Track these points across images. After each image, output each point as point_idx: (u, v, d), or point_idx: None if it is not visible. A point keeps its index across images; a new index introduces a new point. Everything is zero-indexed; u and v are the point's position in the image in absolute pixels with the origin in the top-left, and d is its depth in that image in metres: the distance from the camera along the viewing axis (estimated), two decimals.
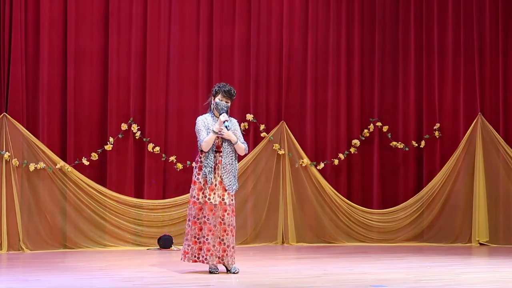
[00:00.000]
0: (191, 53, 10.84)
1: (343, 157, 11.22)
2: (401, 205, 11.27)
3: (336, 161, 11.20)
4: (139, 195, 10.59)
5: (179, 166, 10.68)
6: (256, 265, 8.61)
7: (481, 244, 11.00)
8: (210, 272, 7.79)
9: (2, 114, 10.01)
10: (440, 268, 8.61)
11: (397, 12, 11.43)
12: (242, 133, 8.15)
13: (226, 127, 7.73)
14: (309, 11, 11.20)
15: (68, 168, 10.20)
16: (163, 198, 10.66)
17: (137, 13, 10.62)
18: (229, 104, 7.86)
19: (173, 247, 10.31)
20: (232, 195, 7.82)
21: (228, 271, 7.85)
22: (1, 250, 9.87)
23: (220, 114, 7.78)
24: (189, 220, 7.80)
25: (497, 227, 11.09)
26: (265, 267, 8.63)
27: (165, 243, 10.32)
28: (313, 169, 11.08)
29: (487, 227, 11.06)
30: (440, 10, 11.40)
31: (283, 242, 10.94)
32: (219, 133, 7.73)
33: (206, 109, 8.02)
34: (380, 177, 11.33)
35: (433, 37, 11.38)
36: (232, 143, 7.83)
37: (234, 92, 7.90)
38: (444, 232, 11.18)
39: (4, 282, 7.38)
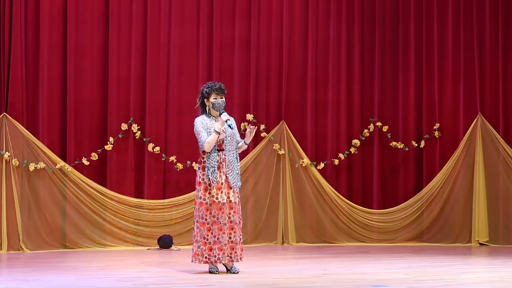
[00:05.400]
0: (191, 51, 10.83)
1: (343, 157, 11.22)
2: (401, 205, 11.26)
3: (336, 161, 11.20)
4: (139, 195, 10.59)
5: (179, 166, 10.67)
6: (256, 265, 8.61)
7: (481, 244, 10.99)
8: (210, 272, 7.80)
9: (2, 114, 10.01)
10: (440, 268, 8.61)
11: (397, 9, 11.42)
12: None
13: (229, 126, 7.74)
14: (309, 8, 11.19)
15: (68, 168, 10.20)
16: (163, 198, 10.66)
17: (137, 10, 10.61)
18: (224, 99, 7.86)
19: (173, 247, 10.31)
20: (237, 192, 7.84)
21: (228, 271, 7.86)
22: (1, 250, 9.87)
23: (220, 114, 7.78)
24: (197, 222, 7.80)
25: (497, 227, 11.08)
26: (265, 267, 8.63)
27: (165, 243, 10.32)
28: (313, 169, 11.08)
29: (487, 227, 11.05)
30: (440, 8, 11.39)
31: (283, 242, 10.93)
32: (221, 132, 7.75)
33: (197, 112, 8.00)
34: (380, 177, 11.33)
35: (433, 35, 11.37)
36: (232, 141, 7.82)
37: (224, 86, 7.91)
38: (444, 232, 11.18)
39: (4, 282, 7.38)
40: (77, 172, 10.26)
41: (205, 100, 7.86)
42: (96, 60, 10.50)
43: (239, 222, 7.87)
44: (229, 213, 7.78)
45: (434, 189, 11.18)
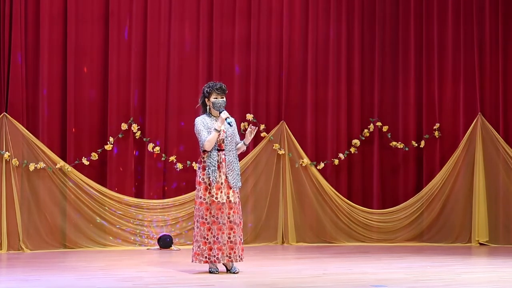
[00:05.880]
0: (191, 51, 10.83)
1: (343, 157, 11.22)
2: (401, 205, 11.26)
3: (336, 161, 11.20)
4: (139, 195, 10.59)
5: (179, 166, 10.67)
6: (256, 265, 8.61)
7: (481, 244, 10.99)
8: (210, 272, 7.79)
9: (2, 114, 10.01)
10: (440, 268, 8.61)
11: (397, 9, 11.42)
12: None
13: (229, 123, 7.74)
14: (309, 8, 11.18)
15: (68, 168, 10.20)
16: (163, 198, 10.66)
17: (137, 10, 10.61)
18: (224, 99, 7.86)
19: (173, 247, 10.31)
20: (237, 192, 7.84)
21: (228, 271, 7.86)
22: (1, 250, 9.87)
23: (220, 112, 7.78)
24: (197, 221, 7.79)
25: (497, 227, 11.08)
26: (265, 267, 8.63)
27: (165, 243, 10.32)
28: (313, 169, 11.08)
29: (487, 227, 11.05)
30: (440, 8, 11.39)
31: (283, 242, 10.93)
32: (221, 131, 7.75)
33: (199, 111, 8.01)
34: (380, 177, 11.33)
35: (433, 35, 11.37)
36: (232, 140, 7.83)
37: (225, 86, 7.91)
38: (444, 232, 11.17)
39: (4, 282, 7.38)
40: (77, 172, 10.26)
41: (206, 99, 7.87)
42: (96, 59, 10.50)
43: (239, 222, 7.86)
44: (229, 213, 7.78)
45: (434, 189, 11.18)
